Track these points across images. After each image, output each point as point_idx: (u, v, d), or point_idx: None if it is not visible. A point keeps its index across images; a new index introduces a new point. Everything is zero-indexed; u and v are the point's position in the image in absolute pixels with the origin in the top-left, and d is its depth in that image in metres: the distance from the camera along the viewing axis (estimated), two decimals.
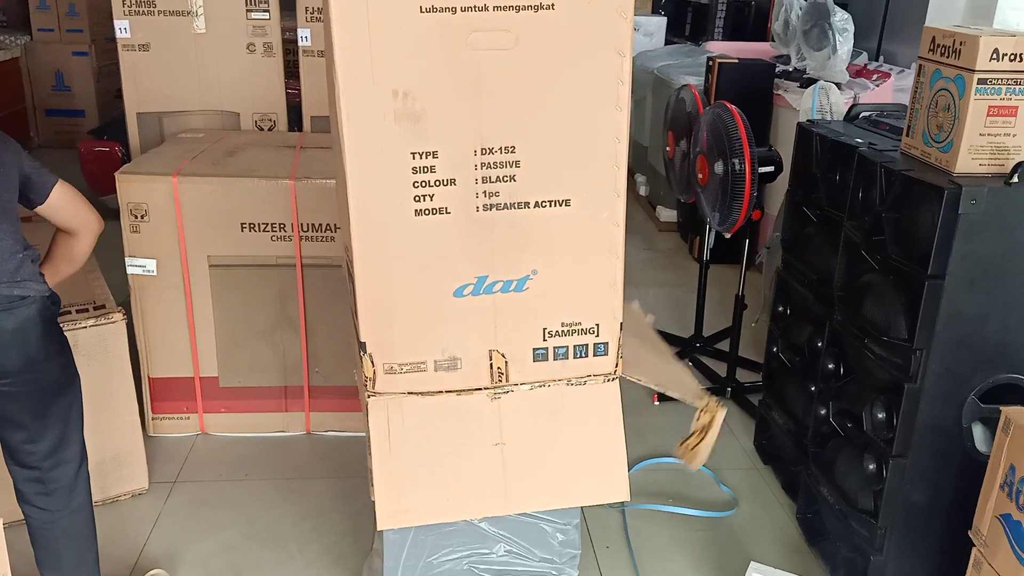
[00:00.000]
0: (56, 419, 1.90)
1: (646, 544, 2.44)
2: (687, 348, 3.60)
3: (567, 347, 1.70)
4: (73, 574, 2.00)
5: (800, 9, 4.44)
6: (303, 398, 2.90)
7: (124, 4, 3.18)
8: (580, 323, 1.68)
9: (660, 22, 6.95)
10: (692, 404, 1.88)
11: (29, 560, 2.25)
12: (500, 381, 1.69)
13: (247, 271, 2.74)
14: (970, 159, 1.91)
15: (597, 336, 1.70)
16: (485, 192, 1.57)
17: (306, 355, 2.85)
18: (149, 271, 2.72)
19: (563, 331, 1.68)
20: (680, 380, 1.96)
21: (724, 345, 3.43)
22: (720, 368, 3.39)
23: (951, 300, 1.91)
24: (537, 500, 1.78)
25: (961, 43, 1.89)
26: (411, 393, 1.67)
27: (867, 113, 2.57)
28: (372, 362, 1.64)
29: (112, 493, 2.55)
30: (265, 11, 3.27)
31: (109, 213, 2.72)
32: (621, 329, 1.71)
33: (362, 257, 1.57)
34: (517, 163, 1.57)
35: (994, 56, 1.84)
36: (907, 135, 2.12)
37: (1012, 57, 1.84)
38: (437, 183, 1.54)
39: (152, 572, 2.24)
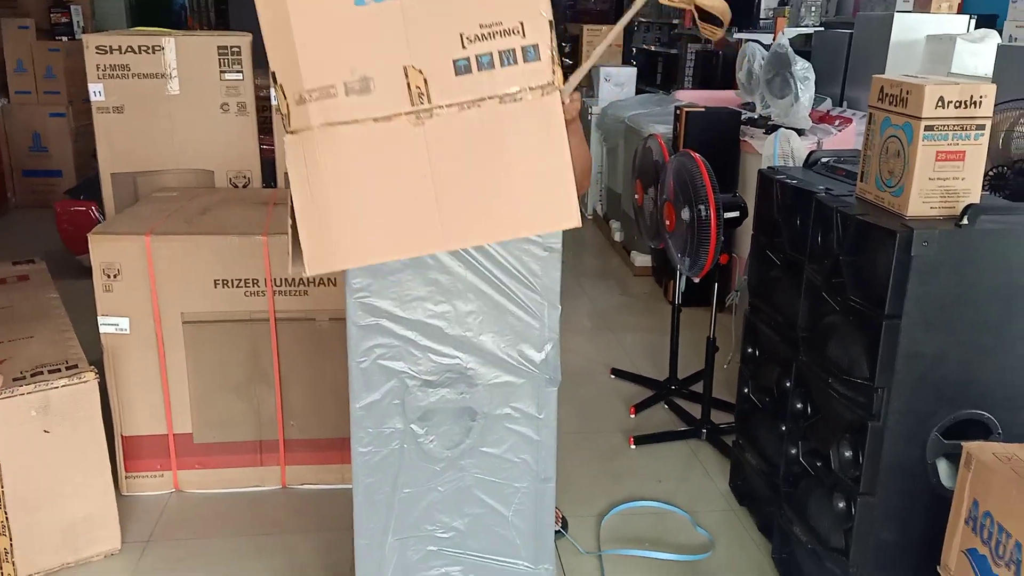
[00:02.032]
0: None
1: None
2: (662, 391, 3.63)
3: (491, 54, 1.53)
4: None
5: (762, 59, 4.57)
6: (278, 452, 2.89)
7: (98, 68, 3.23)
8: (500, 23, 1.52)
9: (631, 72, 7.10)
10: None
11: None
12: (422, 103, 1.55)
13: (221, 327, 2.76)
14: (921, 203, 1.97)
15: (524, 37, 1.53)
16: None
17: (280, 409, 2.85)
18: (122, 329, 2.72)
19: (483, 35, 1.52)
20: None
21: (699, 387, 3.46)
22: (695, 410, 3.41)
23: (909, 340, 1.96)
24: (477, 233, 1.64)
25: (907, 92, 1.97)
26: (326, 125, 1.56)
27: (825, 159, 2.65)
28: (284, 94, 1.54)
29: (84, 555, 2.52)
30: (239, 72, 3.33)
31: (85, 272, 2.74)
32: (552, 28, 1.54)
33: None
34: None
35: (940, 104, 1.91)
36: (861, 180, 2.19)
37: (957, 104, 1.92)
38: None
39: None
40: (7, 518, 2.37)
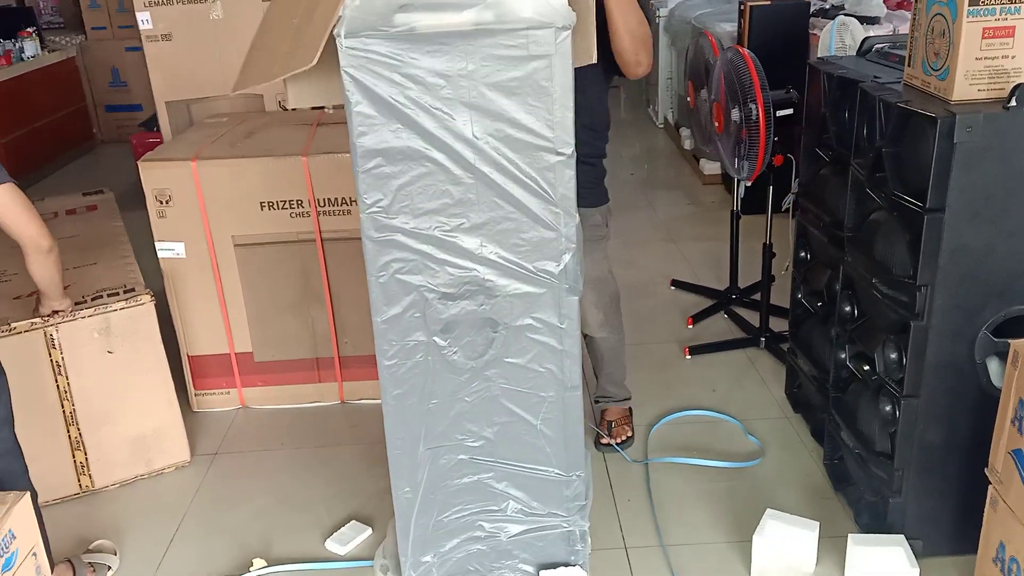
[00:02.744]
0: None
1: (669, 496, 2.45)
2: (722, 301, 3.56)
3: None
4: None
5: None
6: (335, 369, 2.98)
7: None
8: None
9: None
10: None
11: (78, 539, 2.40)
12: None
13: (270, 248, 2.82)
14: (968, 85, 1.83)
15: None
16: None
17: (334, 327, 2.92)
18: (178, 254, 2.82)
19: None
20: None
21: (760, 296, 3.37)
22: (755, 319, 3.33)
23: (953, 233, 1.85)
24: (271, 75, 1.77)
25: None
26: None
27: (880, 46, 2.48)
28: None
29: (156, 466, 2.68)
30: None
31: None
32: None
33: None
34: None
35: None
36: (908, 65, 2.04)
37: None
38: None
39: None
40: (80, 433, 2.53)
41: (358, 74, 1.67)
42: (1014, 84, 1.79)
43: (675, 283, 3.78)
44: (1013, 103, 1.77)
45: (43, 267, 2.15)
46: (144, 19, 3.30)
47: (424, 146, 1.73)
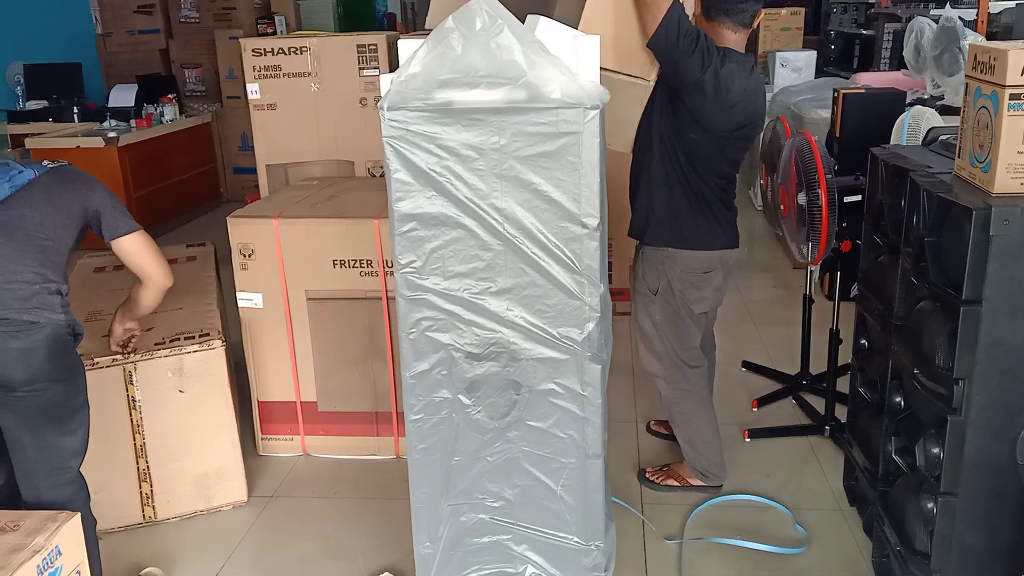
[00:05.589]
0: (51, 441, 2.02)
1: None
2: (792, 386, 3.48)
3: None
4: None
5: (931, 34, 4.24)
6: (392, 424, 3.07)
7: (254, 69, 3.57)
8: None
9: (809, 56, 6.77)
10: None
11: (134, 565, 2.54)
12: None
13: (339, 304, 2.97)
14: (1009, 179, 1.80)
15: None
16: None
17: (394, 383, 3.03)
18: (256, 304, 3.01)
19: None
20: None
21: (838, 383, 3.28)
22: (824, 406, 3.25)
23: (992, 327, 1.80)
24: None
25: (994, 59, 1.80)
26: None
27: (945, 137, 2.44)
28: None
29: (215, 504, 2.82)
30: (375, 68, 3.55)
31: None
32: None
33: None
34: None
35: None
36: (958, 156, 2.02)
37: None
38: None
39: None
40: (148, 466, 2.70)
41: (398, 144, 1.80)
42: None
43: (746, 364, 3.73)
44: None
45: (153, 299, 2.42)
46: (254, 90, 3.59)
47: (457, 213, 1.84)
